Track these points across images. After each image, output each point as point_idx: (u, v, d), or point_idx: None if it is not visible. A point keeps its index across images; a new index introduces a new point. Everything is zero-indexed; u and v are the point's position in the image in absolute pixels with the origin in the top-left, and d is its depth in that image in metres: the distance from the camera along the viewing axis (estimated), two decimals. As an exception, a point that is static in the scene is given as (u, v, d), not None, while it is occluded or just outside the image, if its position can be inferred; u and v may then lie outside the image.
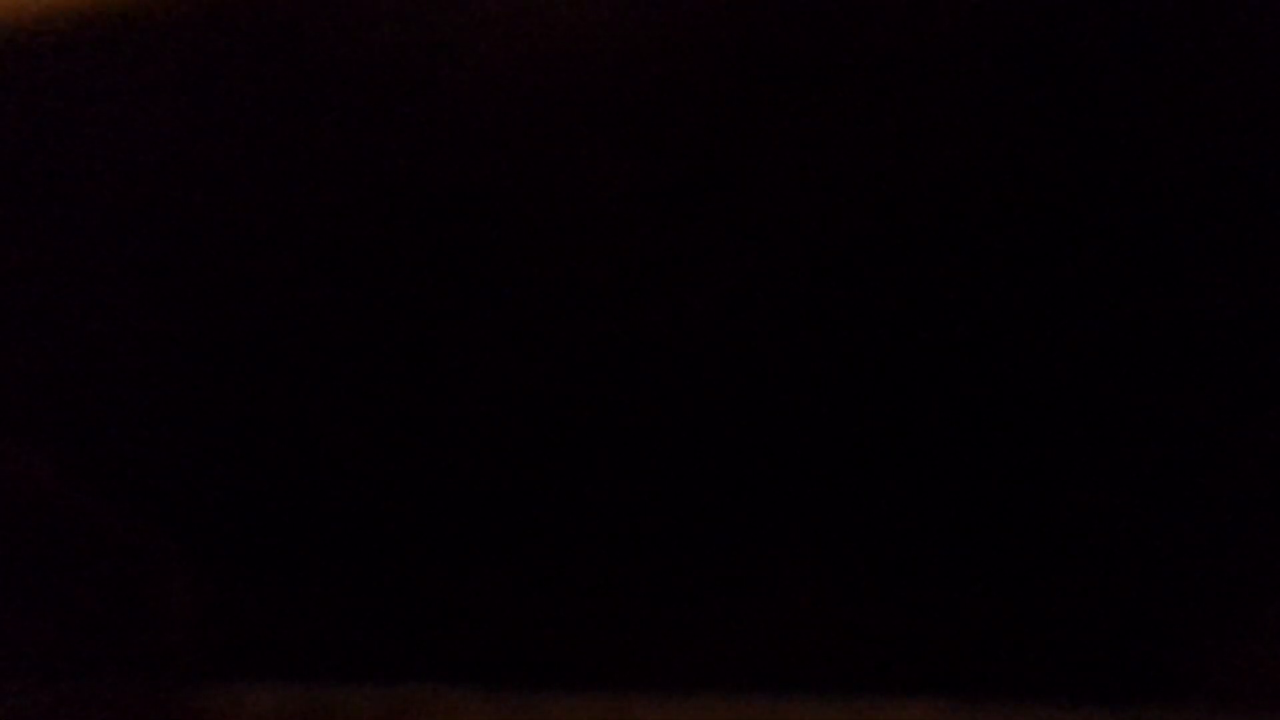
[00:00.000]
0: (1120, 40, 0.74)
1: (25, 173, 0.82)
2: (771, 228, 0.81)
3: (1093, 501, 0.79)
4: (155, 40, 0.81)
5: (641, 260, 0.83)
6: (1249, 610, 0.77)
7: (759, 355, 0.82)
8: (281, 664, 0.91)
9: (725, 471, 0.84)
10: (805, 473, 0.82)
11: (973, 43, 0.75)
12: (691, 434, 0.83)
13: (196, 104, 0.83)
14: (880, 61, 0.76)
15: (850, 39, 0.76)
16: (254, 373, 0.86)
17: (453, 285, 0.85)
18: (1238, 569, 0.78)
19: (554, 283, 0.85)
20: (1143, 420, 0.79)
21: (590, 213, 0.82)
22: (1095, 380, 0.79)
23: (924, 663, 0.80)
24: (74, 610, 0.94)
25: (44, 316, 0.86)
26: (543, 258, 0.84)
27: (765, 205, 0.81)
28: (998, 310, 0.80)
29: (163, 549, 0.94)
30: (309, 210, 0.84)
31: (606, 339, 0.84)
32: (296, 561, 0.92)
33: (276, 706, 0.90)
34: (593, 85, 0.78)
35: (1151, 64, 0.74)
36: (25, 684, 0.92)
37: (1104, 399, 0.79)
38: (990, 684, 0.77)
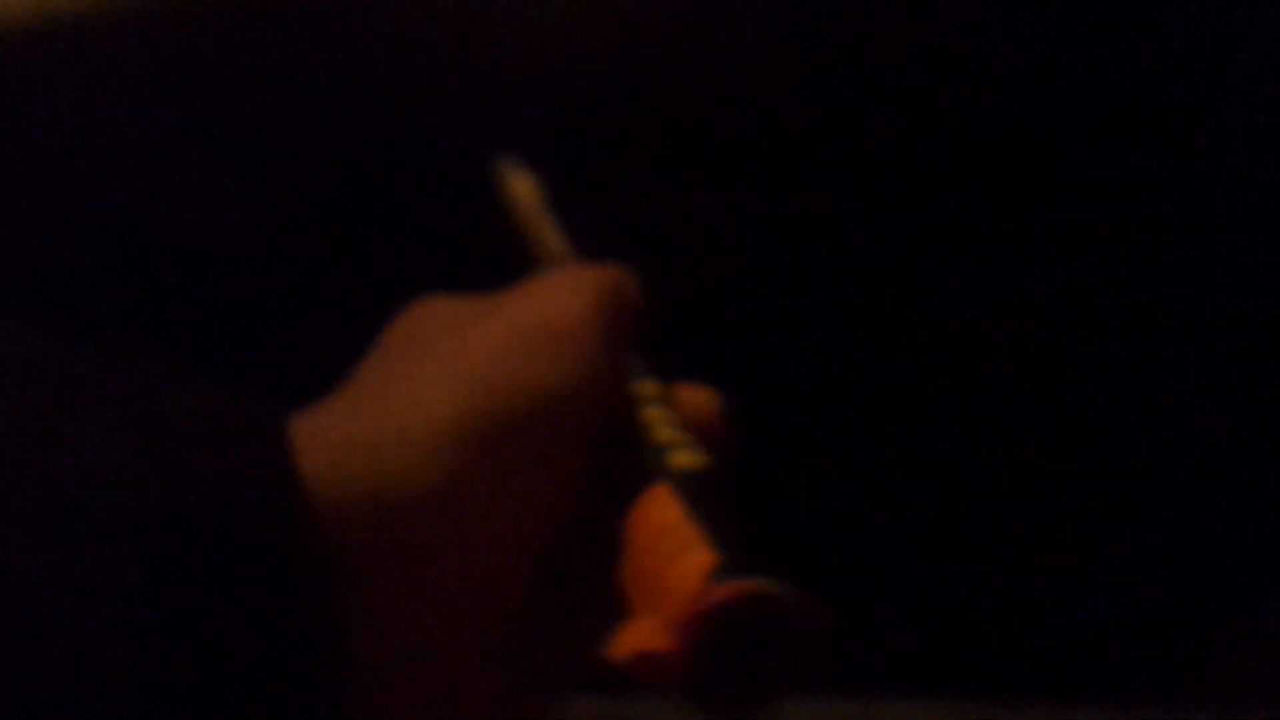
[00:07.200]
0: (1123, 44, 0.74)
1: (23, 172, 0.82)
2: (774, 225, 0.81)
3: (1093, 501, 0.79)
4: (155, 39, 0.81)
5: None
6: (1249, 610, 0.78)
7: (758, 351, 0.82)
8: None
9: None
10: (804, 472, 0.82)
11: (978, 44, 0.75)
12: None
13: (189, 104, 0.82)
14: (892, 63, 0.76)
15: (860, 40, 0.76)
16: (250, 376, 0.85)
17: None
18: (1236, 569, 0.78)
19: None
20: (1142, 419, 0.79)
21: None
22: (1096, 379, 0.79)
23: (924, 663, 0.80)
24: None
25: (40, 317, 0.85)
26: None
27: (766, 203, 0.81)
28: (997, 310, 0.80)
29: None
30: (303, 212, 0.84)
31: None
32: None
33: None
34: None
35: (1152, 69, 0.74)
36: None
37: (1104, 398, 0.79)
38: (990, 684, 0.77)
